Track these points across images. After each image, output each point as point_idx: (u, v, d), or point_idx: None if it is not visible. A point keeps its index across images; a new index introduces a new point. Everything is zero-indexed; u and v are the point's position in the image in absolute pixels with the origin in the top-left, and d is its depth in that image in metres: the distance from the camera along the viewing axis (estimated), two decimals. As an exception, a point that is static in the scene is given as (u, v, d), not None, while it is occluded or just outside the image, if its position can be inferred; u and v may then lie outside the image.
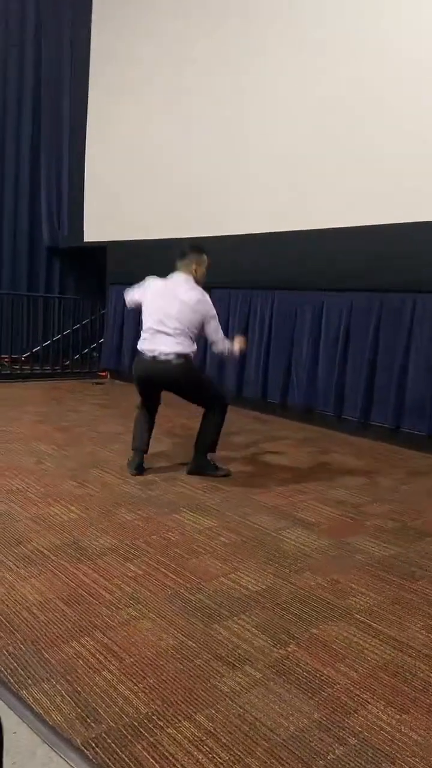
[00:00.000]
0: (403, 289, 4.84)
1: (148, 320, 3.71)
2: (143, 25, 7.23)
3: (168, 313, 3.62)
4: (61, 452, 4.20)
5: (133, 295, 3.88)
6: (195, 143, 6.60)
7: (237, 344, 3.85)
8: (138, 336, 7.81)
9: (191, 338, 3.66)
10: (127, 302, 3.98)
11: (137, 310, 3.89)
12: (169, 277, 3.77)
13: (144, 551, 2.66)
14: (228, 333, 6.10)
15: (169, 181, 6.88)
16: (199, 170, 6.53)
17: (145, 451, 3.89)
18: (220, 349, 3.83)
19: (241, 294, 6.11)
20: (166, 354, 3.60)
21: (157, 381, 3.73)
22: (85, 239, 8.23)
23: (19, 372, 7.57)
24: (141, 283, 3.85)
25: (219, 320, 3.77)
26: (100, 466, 3.92)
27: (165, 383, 3.74)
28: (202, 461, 3.85)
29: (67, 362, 8.08)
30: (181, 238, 6.66)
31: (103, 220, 7.93)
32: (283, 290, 5.77)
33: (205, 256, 3.79)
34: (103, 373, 8.01)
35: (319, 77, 5.38)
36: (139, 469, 3.80)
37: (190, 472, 3.82)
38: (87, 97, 8.15)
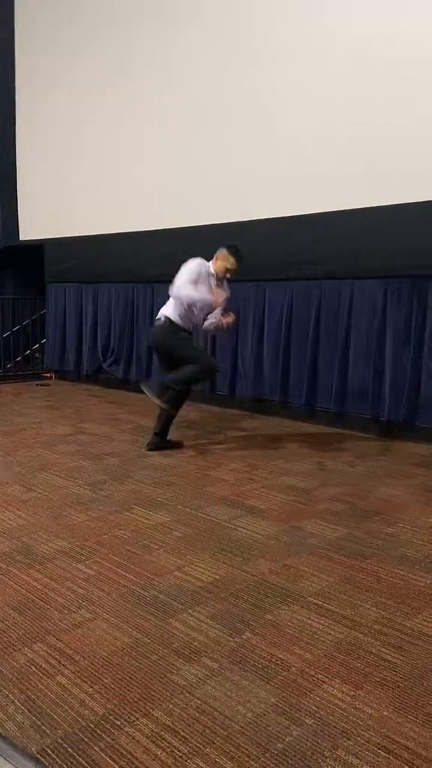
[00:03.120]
0: (341, 276, 4.94)
1: None
2: (68, 11, 7.07)
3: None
4: (6, 457, 4.10)
5: None
6: (129, 135, 6.51)
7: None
8: (81, 335, 7.72)
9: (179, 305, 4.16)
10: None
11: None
12: None
13: (95, 551, 2.62)
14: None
15: (104, 175, 6.78)
16: (133, 163, 6.45)
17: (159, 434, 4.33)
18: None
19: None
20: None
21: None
22: (21, 238, 8.03)
23: (-41, 377, 7.34)
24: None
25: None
26: (47, 468, 3.85)
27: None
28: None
29: (9, 365, 7.88)
30: (118, 234, 6.62)
31: (39, 218, 7.75)
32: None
33: (230, 257, 4.19)
34: (48, 374, 7.85)
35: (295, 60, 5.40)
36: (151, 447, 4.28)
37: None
38: (14, 90, 7.91)
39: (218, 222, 5.59)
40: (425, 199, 4.34)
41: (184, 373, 4.10)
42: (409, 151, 4.40)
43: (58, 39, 7.25)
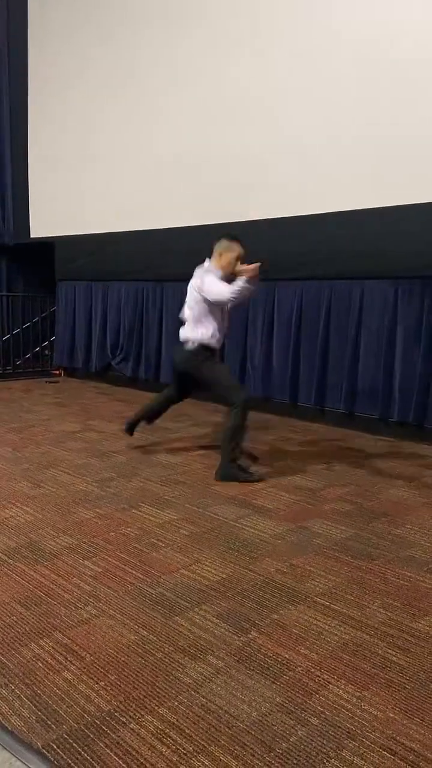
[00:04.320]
0: (350, 276, 4.92)
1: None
2: (77, 13, 7.09)
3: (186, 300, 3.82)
4: (15, 453, 4.11)
5: None
6: (137, 135, 6.51)
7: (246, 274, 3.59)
8: (90, 332, 7.72)
9: (203, 324, 3.71)
10: None
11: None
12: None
13: (103, 548, 2.63)
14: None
15: (114, 174, 6.79)
16: (142, 162, 6.46)
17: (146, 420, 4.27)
18: (231, 297, 3.63)
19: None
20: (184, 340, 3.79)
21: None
22: (32, 235, 8.06)
23: (-31, 374, 7.38)
24: None
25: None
26: (55, 465, 3.86)
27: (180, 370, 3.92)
28: (226, 467, 3.64)
29: (19, 362, 7.91)
30: (128, 232, 6.63)
31: (50, 216, 7.77)
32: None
33: (233, 244, 3.71)
34: (57, 371, 7.88)
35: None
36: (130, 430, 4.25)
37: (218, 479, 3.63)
38: (26, 90, 7.94)
39: (225, 221, 5.57)
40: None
41: (229, 433, 3.67)
42: (415, 153, 4.38)
43: (66, 41, 7.26)
